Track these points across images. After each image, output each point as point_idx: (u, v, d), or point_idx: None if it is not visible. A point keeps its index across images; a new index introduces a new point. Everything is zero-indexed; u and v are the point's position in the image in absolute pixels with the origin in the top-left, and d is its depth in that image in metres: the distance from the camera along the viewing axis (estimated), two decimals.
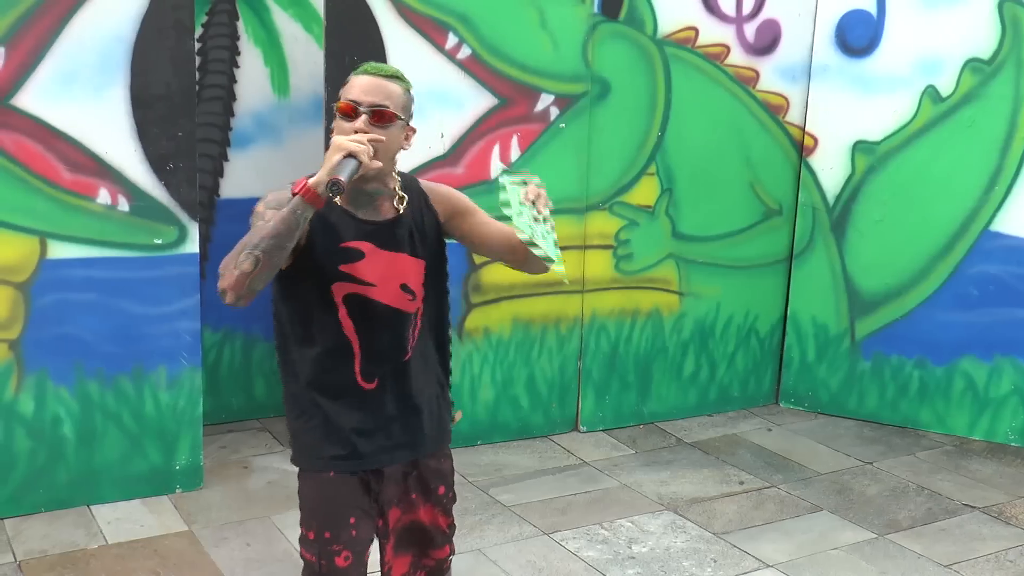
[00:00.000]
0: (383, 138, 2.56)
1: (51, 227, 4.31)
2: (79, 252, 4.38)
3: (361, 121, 2.55)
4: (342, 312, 2.62)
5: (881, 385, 5.99)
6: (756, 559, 4.34)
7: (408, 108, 2.66)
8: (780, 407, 6.25)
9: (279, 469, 5.02)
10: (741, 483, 5.13)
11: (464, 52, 5.02)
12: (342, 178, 2.40)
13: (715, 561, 4.31)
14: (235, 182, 5.39)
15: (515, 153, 5.21)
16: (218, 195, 5.37)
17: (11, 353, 4.33)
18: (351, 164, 2.43)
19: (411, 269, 2.70)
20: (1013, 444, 5.69)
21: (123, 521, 4.43)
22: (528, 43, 5.17)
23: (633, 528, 4.58)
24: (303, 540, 2.71)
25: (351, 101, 2.58)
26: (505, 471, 5.15)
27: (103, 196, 4.39)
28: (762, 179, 5.97)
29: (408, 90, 2.67)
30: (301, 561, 2.75)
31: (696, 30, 5.62)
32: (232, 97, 5.33)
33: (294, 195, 2.43)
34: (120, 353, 4.52)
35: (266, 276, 2.42)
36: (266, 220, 2.47)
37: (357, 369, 2.65)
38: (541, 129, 5.27)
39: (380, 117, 2.57)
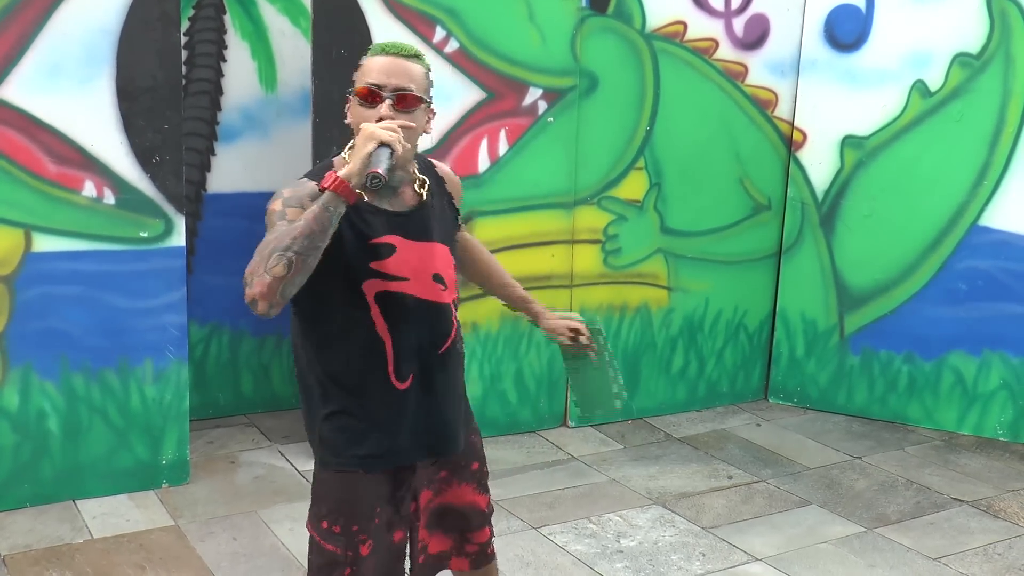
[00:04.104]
0: (413, 124, 2.39)
1: (36, 220, 4.29)
2: (64, 245, 4.35)
3: (386, 107, 2.37)
4: (374, 311, 2.45)
5: (870, 380, 5.99)
6: (745, 552, 4.33)
7: (430, 89, 2.49)
8: (769, 402, 6.25)
9: (266, 464, 5.01)
10: (730, 478, 5.12)
11: (452, 46, 5.00)
12: (381, 170, 2.22)
13: (704, 555, 4.30)
14: (222, 176, 5.37)
15: (503, 147, 5.19)
16: (205, 189, 5.34)
17: None
18: (386, 154, 2.24)
19: (440, 257, 2.55)
20: (1001, 439, 5.70)
21: (109, 516, 4.41)
22: (516, 37, 5.16)
23: (621, 522, 4.57)
24: (325, 533, 2.54)
25: (372, 85, 2.39)
26: (493, 466, 5.00)
27: (88, 189, 4.36)
28: (751, 174, 5.97)
29: (428, 69, 2.50)
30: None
31: (685, 24, 5.61)
32: (219, 91, 5.30)
33: (323, 190, 2.23)
34: (106, 347, 4.49)
35: (300, 280, 2.22)
36: (288, 220, 2.26)
37: (391, 368, 2.49)
38: (529, 123, 5.26)
39: (405, 101, 2.39)
